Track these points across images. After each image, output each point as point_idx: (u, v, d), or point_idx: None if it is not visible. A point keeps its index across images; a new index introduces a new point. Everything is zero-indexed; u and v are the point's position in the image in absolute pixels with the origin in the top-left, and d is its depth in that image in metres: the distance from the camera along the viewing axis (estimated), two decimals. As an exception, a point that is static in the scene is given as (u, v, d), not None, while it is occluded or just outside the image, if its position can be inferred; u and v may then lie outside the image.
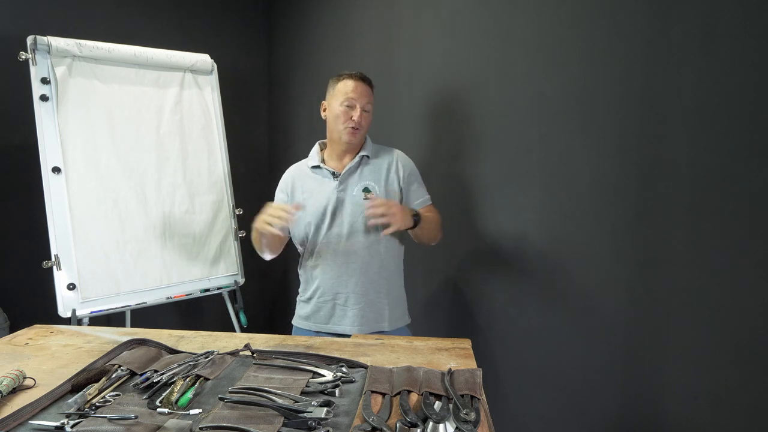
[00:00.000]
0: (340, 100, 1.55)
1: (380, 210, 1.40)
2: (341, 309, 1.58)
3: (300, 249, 1.68)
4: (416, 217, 1.48)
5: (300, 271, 1.70)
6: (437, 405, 0.83)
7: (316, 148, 1.67)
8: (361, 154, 1.59)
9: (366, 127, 1.58)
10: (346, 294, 1.57)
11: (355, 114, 1.54)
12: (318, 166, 1.61)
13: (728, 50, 1.05)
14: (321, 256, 1.59)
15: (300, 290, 1.70)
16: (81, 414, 0.81)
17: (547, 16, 1.45)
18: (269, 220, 1.43)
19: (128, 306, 2.12)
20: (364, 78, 1.58)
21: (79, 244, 2.01)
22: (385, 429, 0.76)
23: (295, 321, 1.70)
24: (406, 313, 1.68)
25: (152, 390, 0.89)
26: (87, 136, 2.08)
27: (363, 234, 1.55)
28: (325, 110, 1.63)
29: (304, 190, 1.61)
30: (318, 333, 1.62)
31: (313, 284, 1.62)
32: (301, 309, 1.68)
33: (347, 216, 1.55)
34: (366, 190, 1.56)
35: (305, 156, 1.71)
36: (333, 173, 1.58)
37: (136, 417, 0.79)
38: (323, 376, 0.96)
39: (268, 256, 1.67)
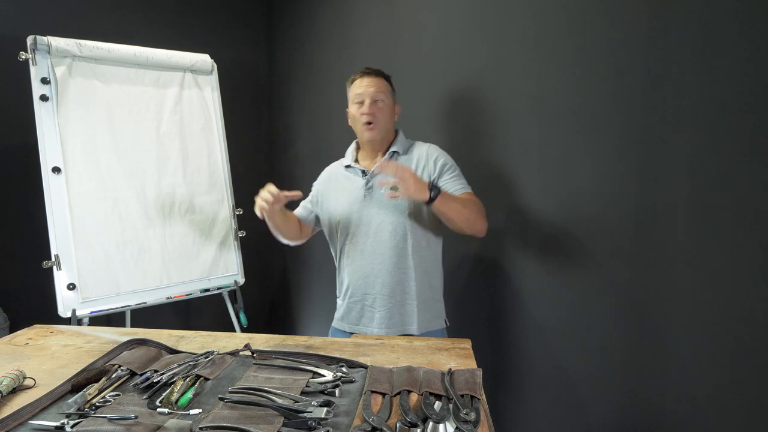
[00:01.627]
0: (352, 101, 1.55)
1: (390, 169, 1.30)
2: (369, 310, 1.55)
3: (335, 249, 1.66)
4: (434, 191, 1.33)
5: (337, 272, 1.69)
6: (437, 405, 0.83)
7: (352, 146, 1.65)
8: (391, 150, 1.54)
9: (383, 119, 1.52)
10: (374, 295, 1.53)
11: (365, 108, 1.50)
12: (350, 166, 1.60)
13: (728, 50, 1.05)
14: (349, 257, 1.57)
15: (337, 290, 1.69)
16: (81, 414, 0.81)
17: (547, 15, 1.45)
18: (257, 204, 1.46)
19: (128, 306, 2.12)
20: (370, 71, 1.54)
21: (79, 244, 2.01)
22: (385, 429, 0.76)
23: (334, 321, 1.68)
24: (441, 316, 1.58)
25: (152, 390, 0.89)
26: (87, 136, 2.08)
27: (389, 234, 1.50)
28: (350, 117, 1.61)
29: (335, 189, 1.61)
30: (352, 334, 1.59)
31: (344, 284, 1.60)
32: (337, 310, 1.66)
33: (374, 215, 1.52)
34: (394, 188, 1.48)
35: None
36: (363, 172, 1.56)
37: (136, 417, 0.79)
38: (323, 376, 0.95)
39: (283, 240, 1.66)
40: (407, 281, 1.51)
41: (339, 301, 1.66)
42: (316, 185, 1.69)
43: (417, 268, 1.51)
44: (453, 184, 1.48)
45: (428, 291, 1.54)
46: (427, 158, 1.51)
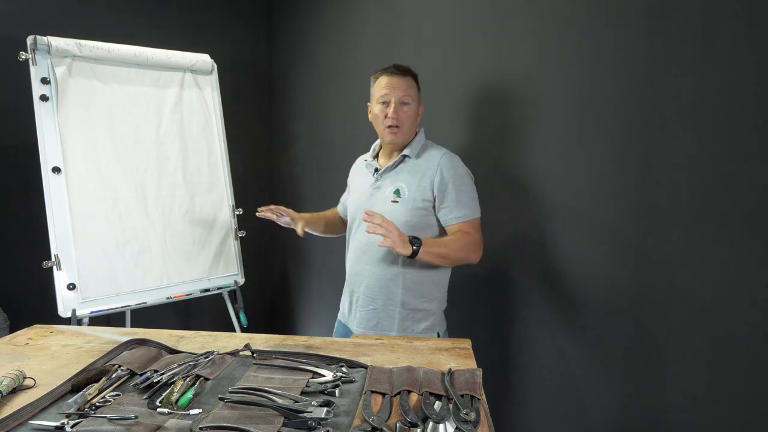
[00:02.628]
0: (376, 99, 1.49)
1: (376, 225, 1.29)
2: (354, 306, 1.58)
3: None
4: (416, 247, 1.32)
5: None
6: (437, 405, 0.83)
7: (378, 141, 1.62)
8: (403, 153, 1.50)
9: (408, 122, 1.47)
10: (358, 294, 1.55)
11: (390, 110, 1.44)
12: (368, 161, 1.61)
13: (728, 51, 1.05)
14: (349, 249, 1.62)
15: None
16: (81, 414, 0.81)
17: (548, 16, 1.45)
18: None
19: (128, 306, 2.12)
20: (398, 69, 1.47)
21: (79, 244, 2.01)
22: (385, 429, 0.76)
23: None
24: (433, 329, 1.50)
25: (152, 390, 0.89)
26: (87, 136, 2.08)
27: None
28: (370, 112, 1.56)
29: (355, 180, 1.66)
30: (344, 325, 1.63)
31: (346, 274, 1.64)
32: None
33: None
34: (397, 192, 1.47)
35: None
36: (376, 169, 1.56)
37: (136, 417, 0.79)
38: (323, 376, 0.96)
39: (329, 236, 1.87)
40: (393, 288, 1.47)
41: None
42: (349, 177, 1.76)
43: (407, 278, 1.46)
44: (451, 209, 1.42)
45: (418, 302, 1.48)
46: (436, 170, 1.43)
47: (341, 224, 1.83)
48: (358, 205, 1.57)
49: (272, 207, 1.76)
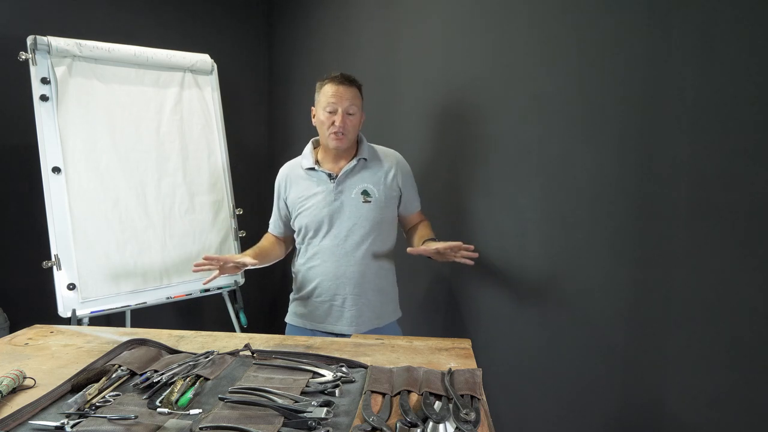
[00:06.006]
0: (323, 106, 1.53)
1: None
2: (338, 310, 1.58)
3: (297, 248, 1.70)
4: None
5: (294, 270, 1.70)
6: (437, 405, 0.83)
7: (309, 147, 1.64)
8: (359, 157, 1.58)
9: (353, 130, 1.55)
10: (344, 295, 1.57)
11: (337, 119, 1.50)
12: (313, 168, 1.59)
13: (728, 50, 1.05)
14: (319, 258, 1.59)
15: (295, 288, 1.71)
16: (81, 414, 0.81)
17: (548, 16, 1.45)
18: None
19: (128, 306, 2.12)
20: (345, 79, 1.53)
21: (79, 244, 2.01)
22: (385, 429, 0.76)
23: (290, 319, 1.70)
24: (397, 308, 1.70)
25: (152, 390, 0.89)
26: (87, 136, 2.08)
27: (361, 236, 1.55)
28: (314, 116, 1.60)
29: (299, 193, 1.61)
30: (313, 332, 1.62)
31: (311, 284, 1.61)
32: (297, 307, 1.69)
33: (345, 219, 1.55)
34: (365, 193, 1.56)
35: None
36: (330, 175, 1.57)
37: (136, 417, 0.79)
38: (323, 376, 0.96)
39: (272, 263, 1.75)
40: (373, 280, 1.59)
41: (297, 299, 1.69)
42: (279, 194, 1.67)
43: (381, 268, 1.61)
44: (415, 200, 1.68)
45: (388, 286, 1.66)
46: (397, 169, 1.62)
47: (278, 248, 1.74)
48: (322, 212, 1.56)
49: (212, 258, 1.58)
